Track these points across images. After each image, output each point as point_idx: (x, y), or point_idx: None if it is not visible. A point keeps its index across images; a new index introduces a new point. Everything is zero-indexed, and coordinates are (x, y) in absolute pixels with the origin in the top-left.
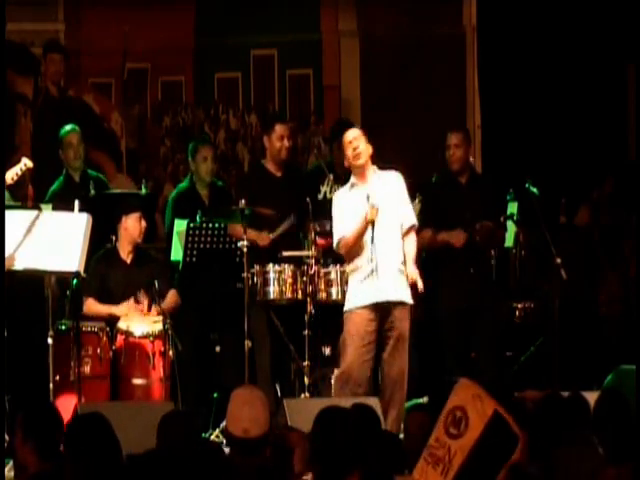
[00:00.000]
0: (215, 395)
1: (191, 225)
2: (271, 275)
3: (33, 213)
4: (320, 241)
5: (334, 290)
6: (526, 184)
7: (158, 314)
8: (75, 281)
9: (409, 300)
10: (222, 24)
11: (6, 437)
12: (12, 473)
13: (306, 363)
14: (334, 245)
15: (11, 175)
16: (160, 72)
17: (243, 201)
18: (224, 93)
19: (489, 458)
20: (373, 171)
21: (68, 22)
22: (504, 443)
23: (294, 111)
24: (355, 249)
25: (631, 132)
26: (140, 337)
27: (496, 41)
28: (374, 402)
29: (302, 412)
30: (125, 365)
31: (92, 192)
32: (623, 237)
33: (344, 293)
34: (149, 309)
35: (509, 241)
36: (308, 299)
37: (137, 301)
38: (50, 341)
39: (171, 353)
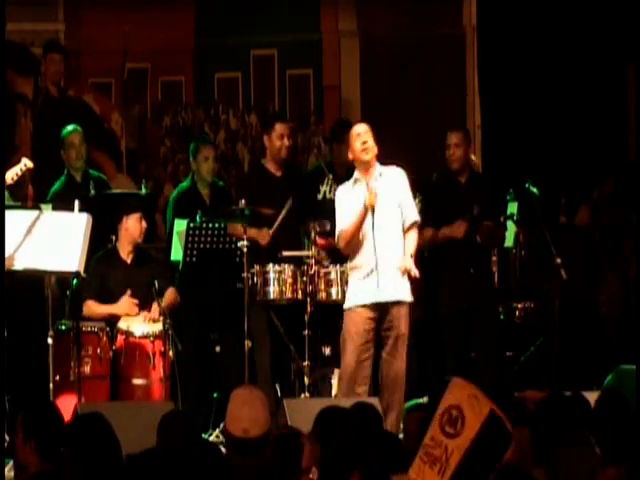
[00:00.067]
0: (215, 395)
1: (191, 225)
2: (271, 275)
3: (33, 213)
4: (320, 241)
5: (334, 290)
6: (526, 184)
7: (160, 315)
8: (75, 281)
9: (409, 298)
10: (222, 24)
11: (6, 437)
12: (12, 473)
13: (306, 363)
14: (335, 239)
15: (11, 175)
16: (160, 72)
17: (243, 201)
18: (224, 93)
19: (485, 457)
20: (376, 168)
21: (68, 22)
22: (500, 442)
23: (294, 111)
24: (356, 244)
25: (631, 132)
26: (140, 337)
27: (496, 41)
28: (374, 402)
29: (302, 412)
30: (125, 365)
31: (92, 192)
32: (623, 237)
33: (344, 293)
34: (150, 309)
35: (509, 241)
36: (308, 299)
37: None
38: (50, 341)
39: (171, 353)
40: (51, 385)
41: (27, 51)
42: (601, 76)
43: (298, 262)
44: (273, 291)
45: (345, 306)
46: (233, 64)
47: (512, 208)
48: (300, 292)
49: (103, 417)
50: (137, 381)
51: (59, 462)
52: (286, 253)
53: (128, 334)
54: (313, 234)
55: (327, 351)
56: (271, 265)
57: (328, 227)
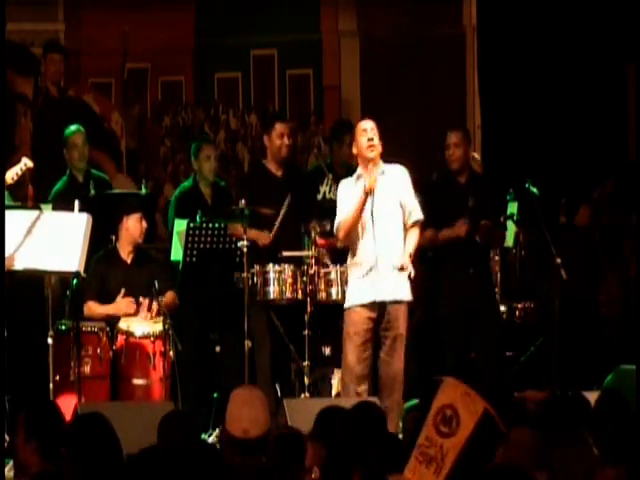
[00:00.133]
0: (215, 395)
1: (191, 225)
2: (271, 275)
3: (33, 213)
4: (320, 241)
5: (334, 290)
6: (526, 184)
7: (158, 313)
8: (75, 281)
9: (408, 298)
10: (222, 24)
11: (6, 437)
12: (12, 473)
13: (306, 363)
14: (334, 231)
15: (11, 175)
16: (160, 72)
17: (243, 201)
18: (224, 93)
19: (480, 455)
20: (379, 166)
21: (68, 22)
22: (493, 440)
23: (294, 111)
24: (355, 240)
25: (631, 132)
26: (141, 337)
27: (496, 41)
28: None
29: (302, 412)
30: (125, 365)
31: (92, 192)
32: (623, 237)
33: (344, 293)
34: (149, 308)
35: (509, 241)
36: (308, 299)
37: (137, 306)
38: (50, 341)
39: (171, 353)
40: (51, 385)
41: (27, 51)
42: (601, 76)
43: (298, 262)
44: (273, 291)
45: (345, 305)
46: (233, 64)
47: (512, 208)
48: (300, 292)
49: (104, 417)
50: (137, 381)
51: (60, 462)
52: (286, 253)
53: (128, 334)
54: (313, 234)
55: (327, 351)
56: (271, 265)
57: (328, 227)
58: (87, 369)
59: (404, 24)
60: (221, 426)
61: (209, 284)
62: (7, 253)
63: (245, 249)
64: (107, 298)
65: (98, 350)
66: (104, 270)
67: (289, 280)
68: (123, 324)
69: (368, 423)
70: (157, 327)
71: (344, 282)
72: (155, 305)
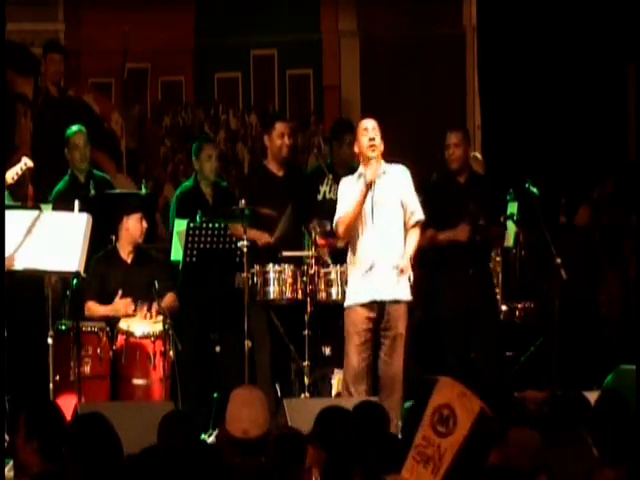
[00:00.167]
0: (215, 395)
1: (191, 225)
2: (271, 275)
3: (33, 213)
4: (320, 241)
5: (334, 290)
6: (526, 184)
7: (157, 313)
8: (75, 281)
9: (407, 297)
10: (222, 24)
11: (6, 437)
12: (12, 473)
13: (306, 363)
14: (334, 226)
15: (11, 175)
16: (160, 72)
17: (243, 201)
18: (224, 93)
19: (476, 454)
20: (380, 165)
21: (68, 22)
22: (489, 439)
23: (294, 111)
24: (355, 239)
25: (631, 132)
26: (141, 337)
27: (496, 41)
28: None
29: (302, 412)
30: (125, 365)
31: (92, 192)
32: (623, 237)
33: (344, 293)
34: (149, 309)
35: (509, 241)
36: (308, 299)
37: (135, 307)
38: (50, 341)
39: (171, 353)
40: (51, 385)
41: (27, 51)
42: (601, 76)
43: (298, 262)
44: (273, 291)
45: (345, 304)
46: (233, 64)
47: (512, 208)
48: (300, 292)
49: (104, 417)
50: (137, 381)
51: (61, 462)
52: (286, 253)
53: (128, 334)
54: (313, 234)
55: (327, 351)
56: (271, 265)
57: (328, 227)
58: (87, 369)
59: (404, 24)
60: (220, 426)
61: (209, 284)
62: (7, 253)
63: (245, 249)
64: (107, 298)
65: (98, 350)
66: (104, 270)
67: (289, 280)
68: (123, 324)
69: (371, 423)
70: (157, 327)
71: (344, 282)
72: (155, 305)
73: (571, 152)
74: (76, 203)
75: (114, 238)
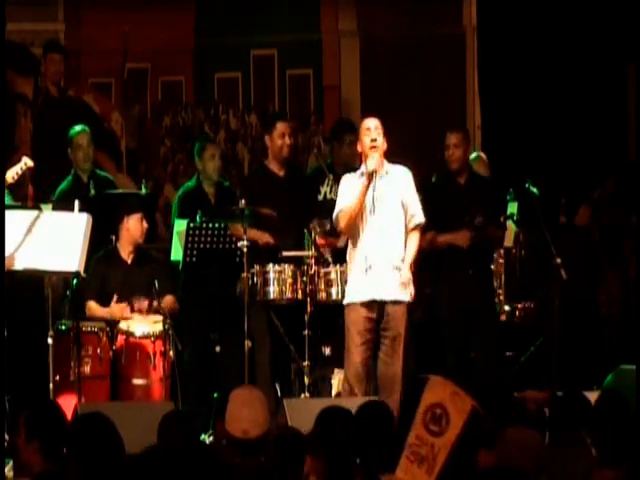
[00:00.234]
0: (215, 395)
1: (191, 225)
2: (271, 275)
3: (33, 213)
4: (320, 241)
5: (334, 290)
6: (526, 184)
7: (155, 311)
8: (75, 281)
9: (406, 298)
10: (222, 24)
11: (6, 437)
12: (12, 473)
13: (306, 363)
14: (334, 221)
15: (12, 174)
16: (160, 72)
17: (243, 201)
18: (224, 93)
19: (469, 452)
20: (383, 165)
21: (68, 22)
22: (481, 437)
23: (294, 111)
24: (355, 237)
25: (631, 132)
26: (141, 337)
27: (496, 41)
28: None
29: (302, 412)
30: (125, 365)
31: (92, 192)
32: (623, 237)
33: (344, 293)
34: (149, 309)
35: (509, 241)
36: (308, 299)
37: (132, 306)
38: (50, 341)
39: (171, 353)
40: (51, 385)
41: (27, 51)
42: (601, 76)
43: (298, 262)
44: (273, 291)
45: (345, 301)
46: (233, 64)
47: (512, 208)
48: (300, 292)
49: (106, 417)
50: (137, 381)
51: (62, 462)
52: (286, 253)
53: (128, 334)
54: (313, 234)
55: (327, 351)
56: (271, 265)
57: (328, 227)
58: (87, 369)
59: (404, 24)
60: (217, 424)
61: (209, 284)
62: (7, 253)
63: (245, 249)
64: (107, 298)
65: (98, 350)
66: (104, 270)
67: (289, 280)
68: (123, 324)
69: (377, 423)
70: (157, 327)
71: (344, 282)
72: (155, 303)
73: (571, 152)
74: (76, 203)
75: (114, 238)
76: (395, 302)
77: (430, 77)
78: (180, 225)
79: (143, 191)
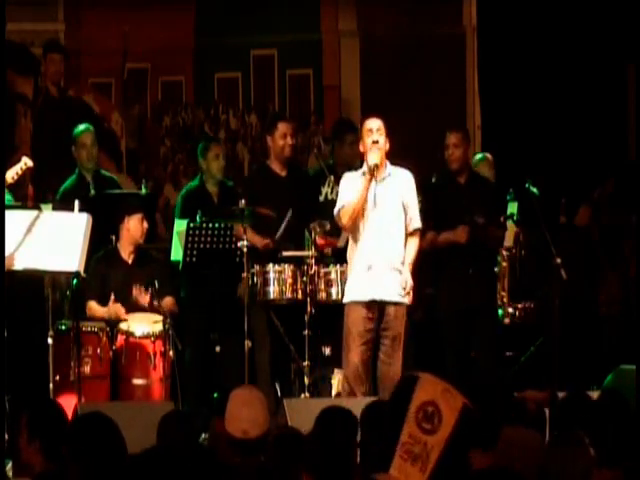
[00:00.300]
0: (215, 395)
1: (191, 225)
2: (271, 275)
3: (33, 213)
4: (320, 241)
5: (334, 290)
6: (526, 184)
7: (155, 311)
8: (75, 281)
9: (406, 300)
10: (222, 24)
11: (6, 437)
12: (12, 473)
13: (306, 363)
14: (335, 217)
15: (12, 174)
16: (160, 72)
17: (243, 201)
18: (224, 93)
19: (462, 449)
20: (385, 166)
21: (68, 22)
22: (472, 434)
23: (294, 111)
24: (357, 233)
25: (631, 132)
26: (141, 337)
27: (496, 41)
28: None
29: (302, 412)
30: (125, 365)
31: (92, 192)
32: (623, 237)
33: (344, 293)
34: (150, 306)
35: (509, 241)
36: (308, 299)
37: (135, 299)
38: (50, 341)
39: (171, 353)
40: (51, 385)
41: (27, 51)
42: (601, 76)
43: (298, 262)
44: (273, 291)
45: (344, 300)
46: (233, 64)
47: (512, 208)
48: (300, 292)
49: (107, 417)
50: (137, 381)
51: (64, 462)
52: (286, 253)
53: (128, 334)
54: (313, 234)
55: (327, 351)
56: (271, 265)
57: (328, 227)
58: (87, 369)
59: (404, 24)
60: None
61: (209, 284)
62: (7, 253)
63: (245, 249)
64: (108, 298)
65: (98, 350)
66: (104, 270)
67: (289, 280)
68: (123, 324)
69: (379, 423)
70: (157, 327)
71: (344, 282)
72: (155, 303)
73: (571, 152)
74: (76, 203)
75: (114, 238)
76: (395, 303)
77: (430, 77)
78: (180, 225)
79: (143, 191)
